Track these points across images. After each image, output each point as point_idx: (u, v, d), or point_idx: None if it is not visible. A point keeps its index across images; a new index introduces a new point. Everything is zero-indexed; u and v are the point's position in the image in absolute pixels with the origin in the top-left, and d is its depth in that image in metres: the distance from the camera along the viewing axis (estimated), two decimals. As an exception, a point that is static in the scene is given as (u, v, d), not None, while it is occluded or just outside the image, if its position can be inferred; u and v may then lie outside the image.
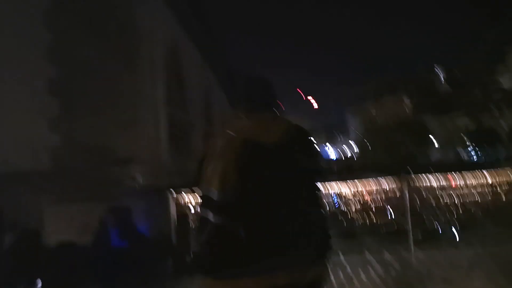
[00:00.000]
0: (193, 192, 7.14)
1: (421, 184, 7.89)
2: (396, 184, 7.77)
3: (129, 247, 5.89)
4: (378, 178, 7.81)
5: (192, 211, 7.25)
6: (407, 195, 7.45)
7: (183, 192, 7.32)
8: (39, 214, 6.76)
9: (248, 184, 2.01)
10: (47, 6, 8.39)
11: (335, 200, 7.51)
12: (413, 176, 7.79)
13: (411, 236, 7.22)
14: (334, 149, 72.00)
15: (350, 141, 61.30)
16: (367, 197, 7.76)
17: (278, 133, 2.17)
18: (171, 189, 7.18)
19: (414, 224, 7.34)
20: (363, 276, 5.55)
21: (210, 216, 1.97)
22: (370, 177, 7.80)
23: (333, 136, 77.88)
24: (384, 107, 34.56)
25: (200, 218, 2.05)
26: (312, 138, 2.32)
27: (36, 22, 8.36)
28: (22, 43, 8.29)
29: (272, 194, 2.04)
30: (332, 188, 7.62)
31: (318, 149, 2.63)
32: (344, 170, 14.39)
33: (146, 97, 8.82)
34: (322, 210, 2.26)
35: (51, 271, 5.56)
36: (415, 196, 7.72)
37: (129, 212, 6.36)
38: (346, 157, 51.31)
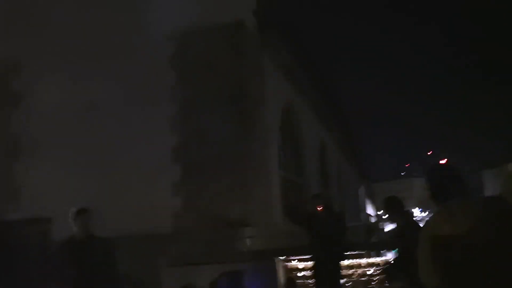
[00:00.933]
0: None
1: None
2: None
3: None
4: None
5: (300, 275, 7.09)
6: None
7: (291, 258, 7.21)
8: (155, 277, 7.06)
9: None
10: (171, 80, 9.17)
11: None
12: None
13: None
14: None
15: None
16: None
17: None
18: (280, 255, 7.11)
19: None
20: None
21: None
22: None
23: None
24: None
25: None
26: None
27: (162, 95, 9.17)
28: (149, 114, 9.11)
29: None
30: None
31: None
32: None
33: (260, 162, 9.03)
34: None
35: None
36: None
37: (241, 276, 6.37)
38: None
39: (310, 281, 6.35)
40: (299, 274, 7.15)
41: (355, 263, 6.61)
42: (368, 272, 6.53)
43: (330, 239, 5.63)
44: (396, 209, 4.86)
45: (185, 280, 6.47)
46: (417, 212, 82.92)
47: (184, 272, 7.05)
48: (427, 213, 69.48)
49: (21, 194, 9.68)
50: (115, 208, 8.27)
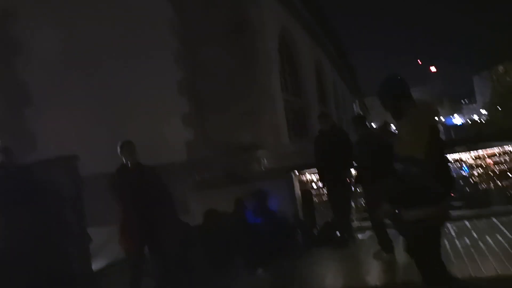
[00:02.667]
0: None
1: None
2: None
3: (263, 223, 6.57)
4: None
5: (314, 187, 7.82)
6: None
7: (306, 172, 7.86)
8: (184, 201, 7.69)
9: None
10: (173, 15, 9.31)
11: (465, 167, 7.43)
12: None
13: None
14: (460, 117, 67.69)
15: (476, 105, 57.09)
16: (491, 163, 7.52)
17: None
18: (295, 170, 7.74)
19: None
20: (490, 240, 5.58)
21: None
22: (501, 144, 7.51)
23: (458, 102, 72.95)
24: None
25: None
26: None
27: (164, 31, 9.34)
28: (152, 51, 9.35)
29: None
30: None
31: None
32: (472, 137, 13.79)
33: (264, 88, 9.45)
34: None
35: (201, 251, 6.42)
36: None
37: (260, 193, 7.01)
38: (473, 122, 47.93)
39: (324, 190, 7.03)
40: (314, 186, 7.88)
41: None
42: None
43: (339, 156, 6.21)
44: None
45: (208, 204, 7.06)
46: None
47: (207, 196, 7.68)
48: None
49: (37, 137, 10.10)
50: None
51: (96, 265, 7.11)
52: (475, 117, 54.62)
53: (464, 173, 7.35)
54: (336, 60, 21.39)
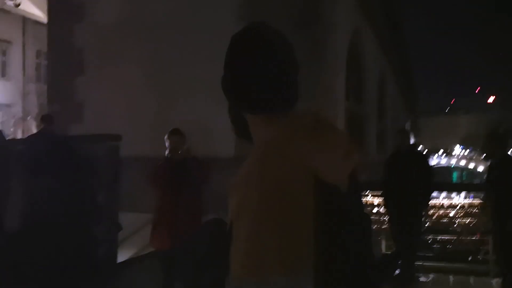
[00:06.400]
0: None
1: None
2: None
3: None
4: None
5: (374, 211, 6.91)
6: None
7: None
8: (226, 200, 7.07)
9: None
10: (239, 2, 8.72)
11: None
12: None
13: None
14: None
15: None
16: None
17: None
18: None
19: None
20: None
21: None
22: None
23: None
24: None
25: None
26: None
27: (227, 15, 8.76)
28: (214, 35, 8.77)
29: None
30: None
31: None
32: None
33: (328, 90, 8.69)
34: None
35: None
36: None
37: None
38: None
39: (384, 218, 6.16)
40: (373, 210, 6.98)
41: (437, 203, 6.36)
42: (450, 214, 6.29)
43: (417, 182, 5.35)
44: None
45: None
46: (457, 150, 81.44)
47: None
48: (468, 151, 68.13)
49: (85, 109, 9.80)
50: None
51: (122, 255, 6.67)
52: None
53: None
54: (399, 75, 20.36)
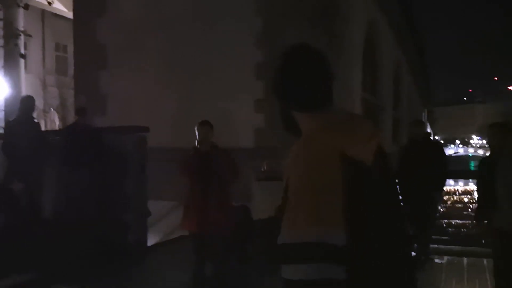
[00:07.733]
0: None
1: None
2: None
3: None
4: None
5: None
6: None
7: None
8: (248, 190, 7.33)
9: None
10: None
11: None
12: None
13: None
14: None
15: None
16: None
17: None
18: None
19: None
20: None
21: None
22: None
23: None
24: None
25: None
26: None
27: (248, 8, 8.97)
28: (234, 28, 9.00)
29: None
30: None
31: None
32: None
33: (345, 81, 8.87)
34: None
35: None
36: None
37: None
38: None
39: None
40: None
41: (452, 189, 6.57)
42: (465, 200, 6.51)
43: (432, 170, 5.55)
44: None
45: (275, 196, 6.65)
46: (475, 140, 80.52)
47: (273, 187, 7.26)
48: (484, 141, 67.45)
49: (108, 101, 10.10)
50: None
51: (151, 240, 6.99)
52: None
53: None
54: (414, 66, 20.35)
